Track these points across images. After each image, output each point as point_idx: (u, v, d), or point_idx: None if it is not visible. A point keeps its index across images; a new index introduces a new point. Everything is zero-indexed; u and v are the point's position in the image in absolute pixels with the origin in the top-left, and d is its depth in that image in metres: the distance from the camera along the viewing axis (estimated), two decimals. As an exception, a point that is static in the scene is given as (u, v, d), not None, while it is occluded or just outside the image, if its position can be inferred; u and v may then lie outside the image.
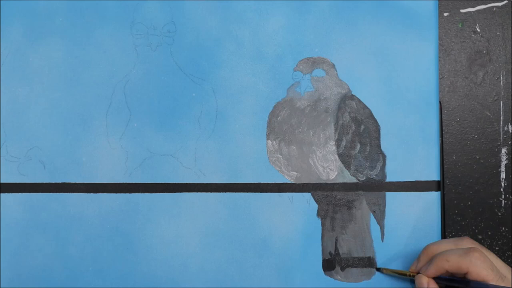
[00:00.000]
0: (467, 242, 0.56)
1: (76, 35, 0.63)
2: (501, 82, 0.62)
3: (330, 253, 0.62)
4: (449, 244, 0.56)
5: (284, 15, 0.63)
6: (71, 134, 0.63)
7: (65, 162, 0.63)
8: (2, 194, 0.63)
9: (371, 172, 0.62)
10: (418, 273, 0.58)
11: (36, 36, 0.63)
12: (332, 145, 0.62)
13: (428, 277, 0.56)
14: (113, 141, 0.63)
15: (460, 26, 0.63)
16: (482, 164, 0.62)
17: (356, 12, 0.63)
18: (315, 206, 0.62)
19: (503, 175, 0.62)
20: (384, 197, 0.62)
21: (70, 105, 0.63)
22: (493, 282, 0.53)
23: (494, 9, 0.63)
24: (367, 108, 0.62)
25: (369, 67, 0.62)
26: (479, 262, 0.53)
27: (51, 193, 0.63)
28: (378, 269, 0.61)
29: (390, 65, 0.62)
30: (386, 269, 0.61)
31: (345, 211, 0.62)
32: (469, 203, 0.62)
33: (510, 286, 0.53)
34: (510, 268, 0.55)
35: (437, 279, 0.56)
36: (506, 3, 0.63)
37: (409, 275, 0.59)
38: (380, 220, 0.62)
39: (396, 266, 0.61)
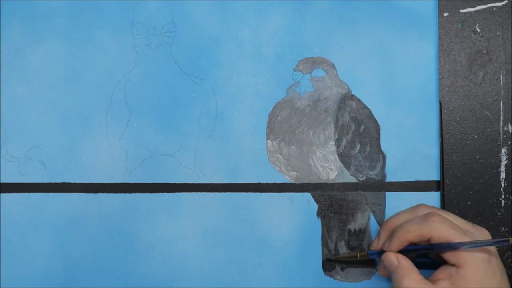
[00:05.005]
0: (423, 209, 0.56)
1: (76, 35, 0.63)
2: (501, 82, 0.62)
3: (330, 253, 0.62)
4: (406, 214, 0.56)
5: (284, 15, 0.63)
6: (71, 134, 0.63)
7: (65, 162, 0.63)
8: (2, 194, 0.63)
9: (371, 172, 0.62)
10: (367, 253, 0.58)
11: (36, 36, 0.63)
12: (332, 145, 0.62)
13: (391, 252, 0.55)
14: (113, 141, 0.63)
15: (460, 26, 0.63)
16: (482, 164, 0.62)
17: (356, 12, 0.63)
18: (315, 206, 0.62)
19: (503, 175, 0.62)
20: (384, 197, 0.62)
21: (70, 105, 0.63)
22: (456, 239, 0.52)
23: (494, 9, 0.63)
24: (367, 108, 0.62)
25: (369, 67, 0.62)
26: (439, 224, 0.53)
27: (51, 193, 0.63)
28: (329, 260, 0.61)
29: (390, 65, 0.62)
30: (336, 257, 0.61)
31: (345, 211, 0.62)
32: (469, 203, 0.62)
33: (472, 240, 0.53)
34: (472, 224, 0.55)
35: (401, 252, 0.55)
36: (506, 3, 0.63)
37: (360, 257, 0.59)
38: (380, 220, 0.62)
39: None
